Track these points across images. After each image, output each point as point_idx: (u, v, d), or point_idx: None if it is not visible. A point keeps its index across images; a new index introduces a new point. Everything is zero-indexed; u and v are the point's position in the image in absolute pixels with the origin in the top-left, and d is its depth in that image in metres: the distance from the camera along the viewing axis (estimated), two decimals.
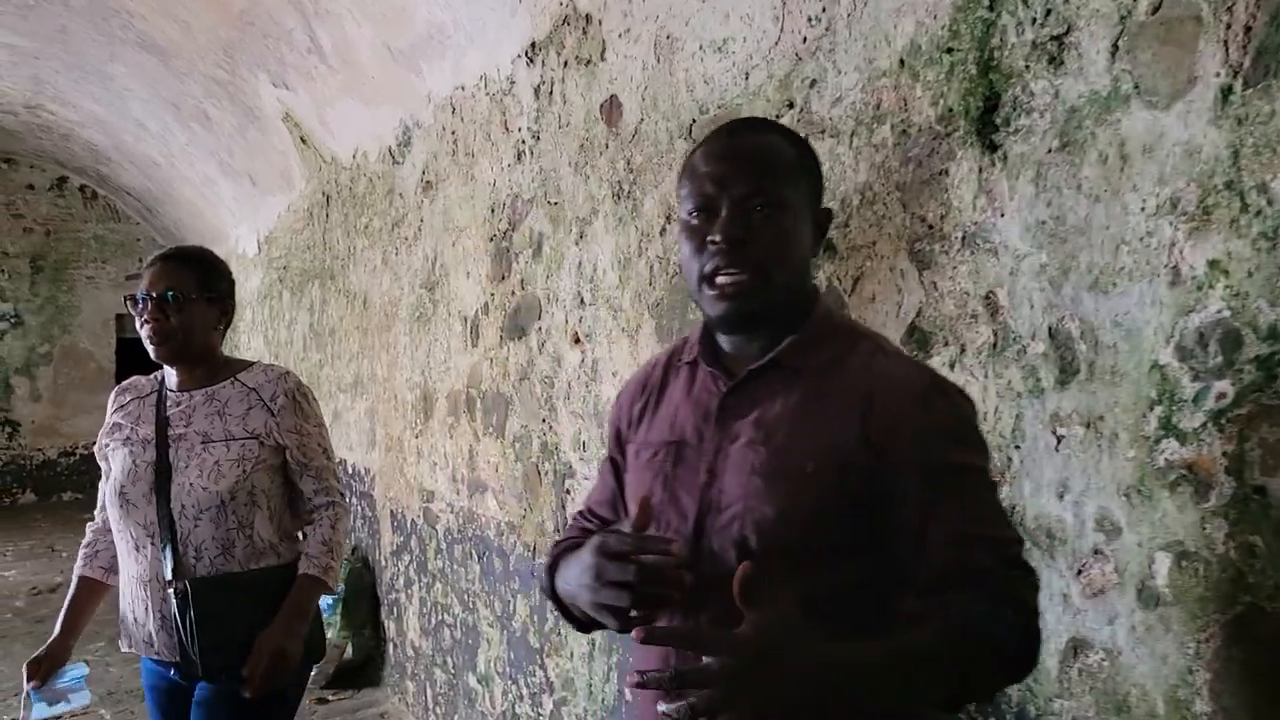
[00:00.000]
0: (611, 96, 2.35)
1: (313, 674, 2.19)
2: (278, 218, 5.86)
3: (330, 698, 4.05)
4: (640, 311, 2.29)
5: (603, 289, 2.44)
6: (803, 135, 1.22)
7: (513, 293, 2.92)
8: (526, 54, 2.72)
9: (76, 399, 9.44)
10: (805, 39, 1.75)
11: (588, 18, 2.42)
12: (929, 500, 1.01)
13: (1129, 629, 1.23)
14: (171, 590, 1.88)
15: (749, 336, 1.14)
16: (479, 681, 3.20)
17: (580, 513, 1.38)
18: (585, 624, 1.15)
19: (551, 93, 2.62)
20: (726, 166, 1.09)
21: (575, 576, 1.07)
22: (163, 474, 1.92)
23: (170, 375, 2.03)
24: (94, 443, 2.11)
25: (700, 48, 2.03)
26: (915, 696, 0.94)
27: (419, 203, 3.64)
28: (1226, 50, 1.11)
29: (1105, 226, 1.26)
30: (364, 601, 4.24)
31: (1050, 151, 1.33)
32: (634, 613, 1.01)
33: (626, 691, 2.34)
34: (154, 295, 1.90)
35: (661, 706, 0.87)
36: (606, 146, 2.39)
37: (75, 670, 1.99)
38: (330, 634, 4.07)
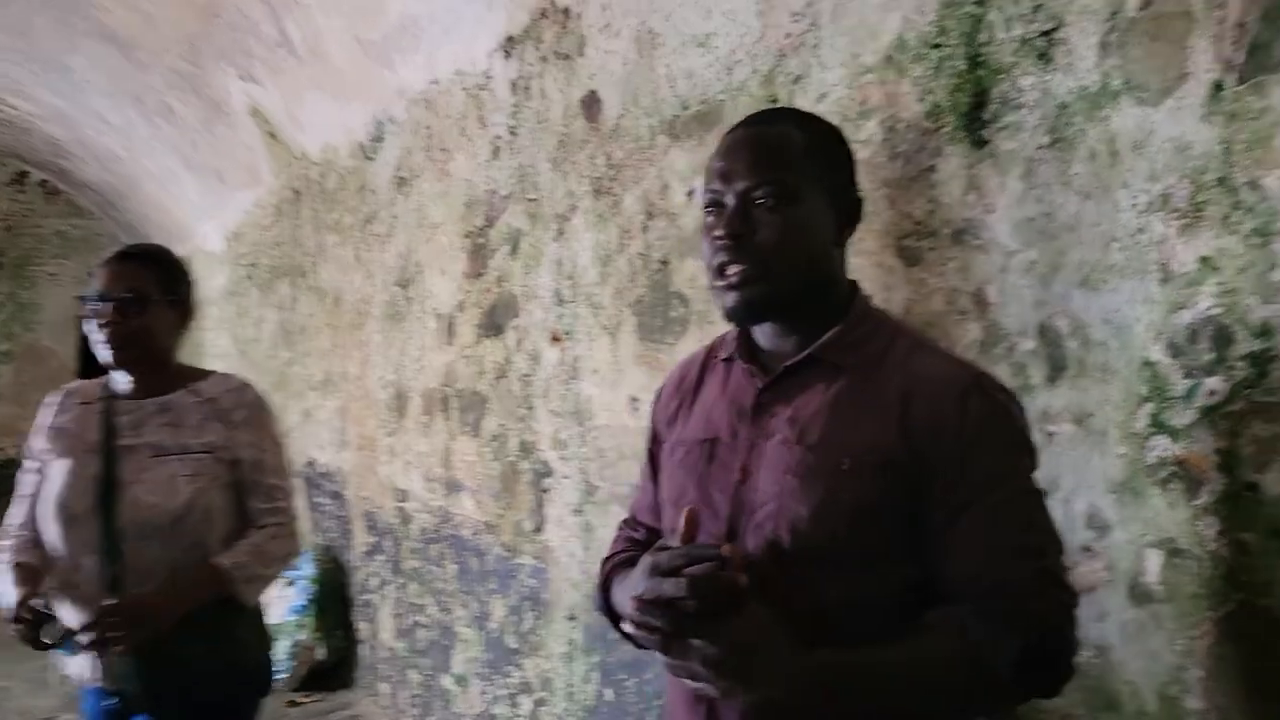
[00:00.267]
0: (591, 91, 2.33)
1: (275, 688, 2.06)
2: (245, 213, 5.75)
3: (301, 700, 3.99)
4: (621, 309, 2.27)
5: (582, 286, 2.41)
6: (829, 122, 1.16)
7: (489, 290, 2.88)
8: (504, 48, 2.69)
9: (39, 397, 9.10)
10: (789, 34, 1.73)
11: (566, 11, 2.39)
12: (958, 507, 0.99)
13: (1120, 626, 1.23)
14: None
15: (784, 331, 1.11)
16: (455, 682, 3.17)
17: (625, 521, 1.35)
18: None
19: (529, 87, 2.59)
20: (730, 161, 1.08)
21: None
22: (109, 488, 1.77)
23: (120, 380, 1.89)
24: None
25: (682, 43, 2.01)
26: (889, 711, 0.97)
27: (392, 199, 3.59)
28: (1219, 46, 1.11)
29: (1095, 223, 1.25)
30: (336, 602, 4.18)
31: (1040, 148, 1.32)
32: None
33: (608, 691, 2.32)
34: (112, 296, 1.77)
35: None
36: (586, 142, 2.37)
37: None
38: (302, 635, 4.03)
